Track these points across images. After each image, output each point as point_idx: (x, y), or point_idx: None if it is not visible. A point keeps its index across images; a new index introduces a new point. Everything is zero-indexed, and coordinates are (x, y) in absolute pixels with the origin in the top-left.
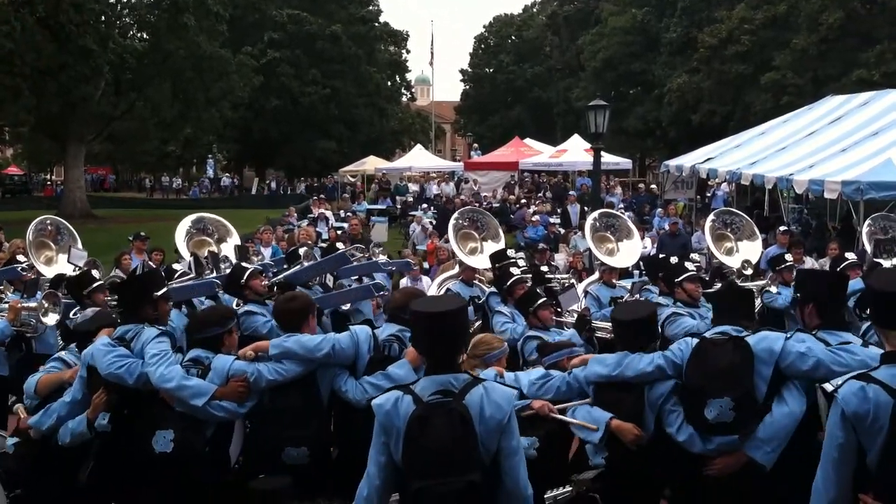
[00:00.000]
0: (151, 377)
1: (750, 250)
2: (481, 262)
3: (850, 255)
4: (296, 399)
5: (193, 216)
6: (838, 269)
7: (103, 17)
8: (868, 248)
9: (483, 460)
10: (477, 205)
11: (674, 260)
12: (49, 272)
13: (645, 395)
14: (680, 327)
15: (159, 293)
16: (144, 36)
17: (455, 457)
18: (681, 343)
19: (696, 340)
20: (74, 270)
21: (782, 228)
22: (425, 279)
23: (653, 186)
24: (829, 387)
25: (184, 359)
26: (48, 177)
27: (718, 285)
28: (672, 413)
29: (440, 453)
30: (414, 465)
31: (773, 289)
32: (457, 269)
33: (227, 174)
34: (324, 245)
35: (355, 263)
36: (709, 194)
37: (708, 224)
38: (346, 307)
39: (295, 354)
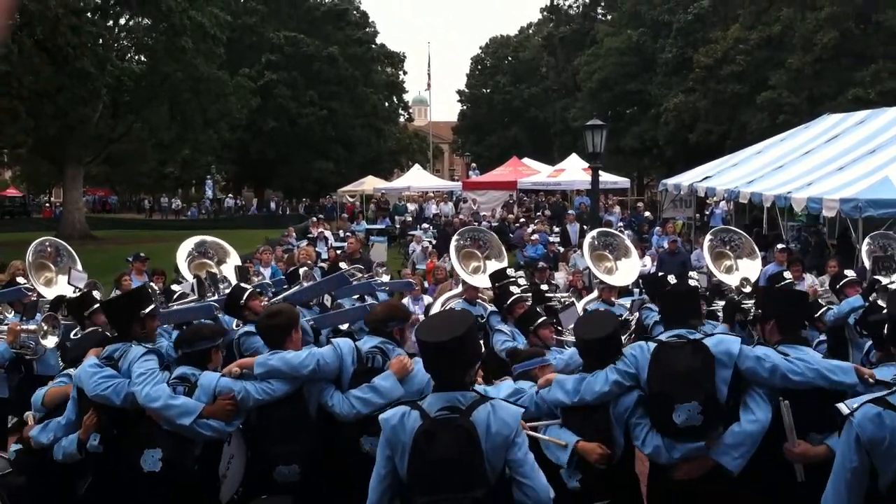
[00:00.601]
0: (138, 397)
1: (749, 268)
2: (483, 281)
3: (850, 273)
4: (284, 415)
5: (196, 239)
6: (838, 287)
7: (101, 40)
8: (868, 265)
9: (489, 477)
10: (476, 224)
11: (671, 279)
12: (49, 293)
13: (610, 411)
14: None
15: (146, 311)
16: (142, 58)
17: (460, 473)
18: (633, 349)
19: (650, 345)
20: (75, 292)
21: (780, 246)
22: (427, 298)
23: (647, 214)
24: (844, 408)
25: (171, 377)
26: (47, 198)
27: (721, 303)
28: (638, 426)
29: (446, 469)
30: (419, 480)
31: None
32: (459, 289)
33: (229, 195)
34: (323, 265)
35: (354, 283)
36: (707, 212)
37: (707, 242)
38: (345, 327)
39: (280, 372)
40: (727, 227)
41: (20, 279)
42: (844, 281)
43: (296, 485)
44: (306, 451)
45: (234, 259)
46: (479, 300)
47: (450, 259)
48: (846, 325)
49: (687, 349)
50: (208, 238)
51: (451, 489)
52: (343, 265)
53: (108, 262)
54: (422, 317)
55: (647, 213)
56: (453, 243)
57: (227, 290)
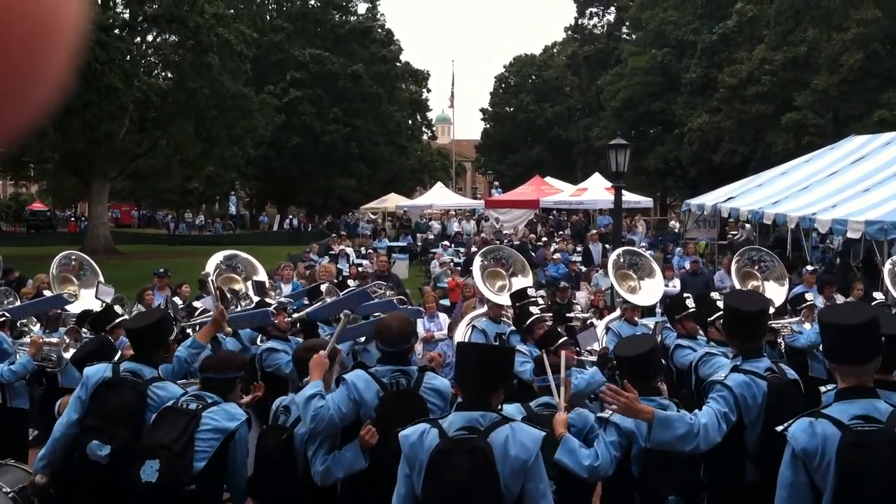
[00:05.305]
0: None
1: (775, 292)
2: (507, 299)
3: (878, 295)
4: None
5: (226, 252)
6: None
7: (129, 56)
8: (891, 288)
9: (503, 501)
10: (498, 242)
11: (690, 303)
12: (75, 307)
13: None
14: (714, 367)
15: (171, 337)
16: (169, 75)
17: (473, 494)
18: (737, 386)
19: (759, 383)
20: (102, 306)
21: (809, 268)
22: (442, 316)
23: (672, 223)
24: (779, 428)
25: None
26: (73, 213)
27: None
28: None
29: (459, 490)
30: (432, 498)
31: (806, 325)
32: (484, 308)
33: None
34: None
35: (375, 301)
36: (734, 234)
37: (734, 262)
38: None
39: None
40: (757, 247)
41: (46, 292)
42: (873, 304)
43: None
44: (255, 481)
45: (261, 276)
46: (503, 318)
47: (473, 279)
48: None
49: (791, 385)
50: (240, 253)
51: None
52: (351, 283)
53: (131, 277)
54: (437, 334)
55: (672, 223)
56: (476, 263)
57: (249, 307)
